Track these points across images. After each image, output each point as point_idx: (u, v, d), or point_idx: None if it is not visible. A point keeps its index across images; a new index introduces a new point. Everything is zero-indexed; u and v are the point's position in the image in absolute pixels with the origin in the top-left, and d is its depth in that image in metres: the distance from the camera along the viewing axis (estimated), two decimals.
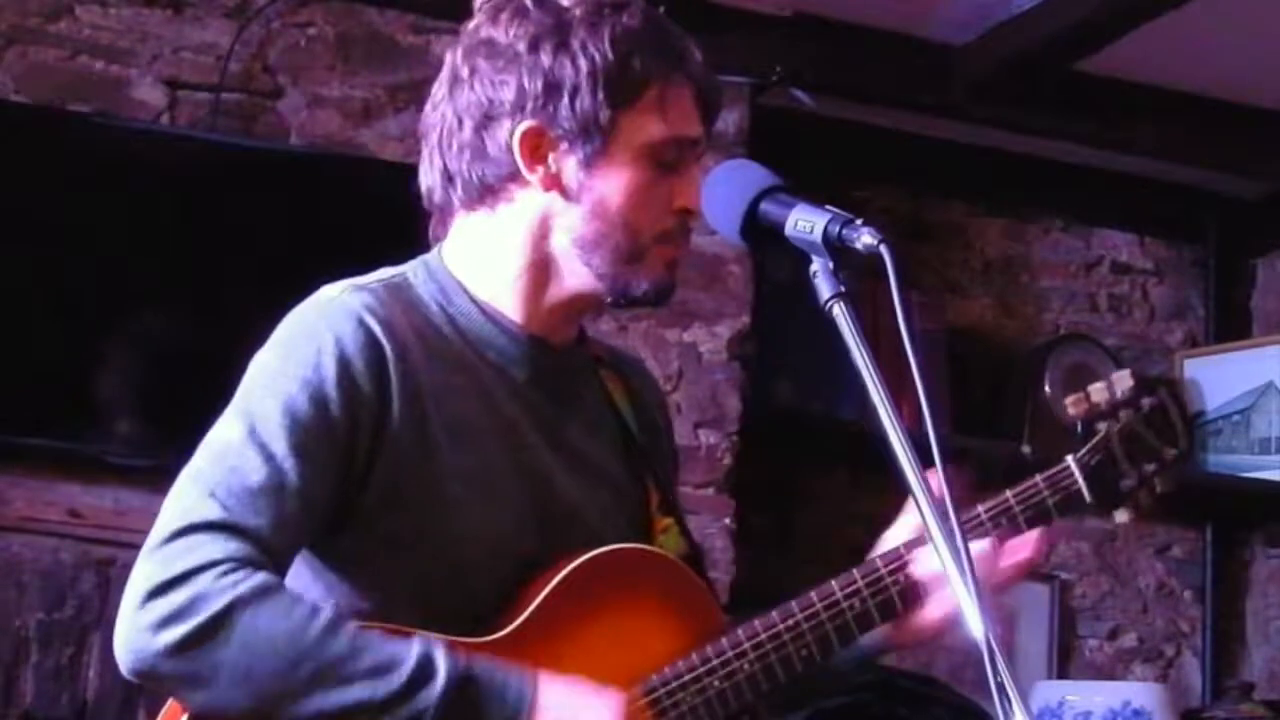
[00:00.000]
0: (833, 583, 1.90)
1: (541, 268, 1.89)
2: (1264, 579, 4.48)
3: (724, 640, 1.86)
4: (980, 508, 1.95)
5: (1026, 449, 4.01)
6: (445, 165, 1.89)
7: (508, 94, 1.83)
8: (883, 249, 1.62)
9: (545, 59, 1.82)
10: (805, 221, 1.70)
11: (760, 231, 1.76)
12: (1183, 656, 4.41)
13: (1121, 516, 2.03)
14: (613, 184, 1.85)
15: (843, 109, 4.06)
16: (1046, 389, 4.18)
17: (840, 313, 1.64)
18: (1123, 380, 2.02)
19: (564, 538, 1.86)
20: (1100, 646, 4.35)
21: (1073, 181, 4.44)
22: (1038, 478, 1.99)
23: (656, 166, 1.86)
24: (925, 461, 1.56)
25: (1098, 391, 2.01)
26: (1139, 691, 4.00)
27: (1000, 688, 1.49)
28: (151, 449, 3.31)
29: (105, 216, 3.41)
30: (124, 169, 3.44)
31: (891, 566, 1.91)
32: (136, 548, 1.74)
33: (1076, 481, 1.98)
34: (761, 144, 3.77)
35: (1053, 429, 4.11)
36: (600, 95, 1.82)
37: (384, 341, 1.79)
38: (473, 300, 1.90)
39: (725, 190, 1.80)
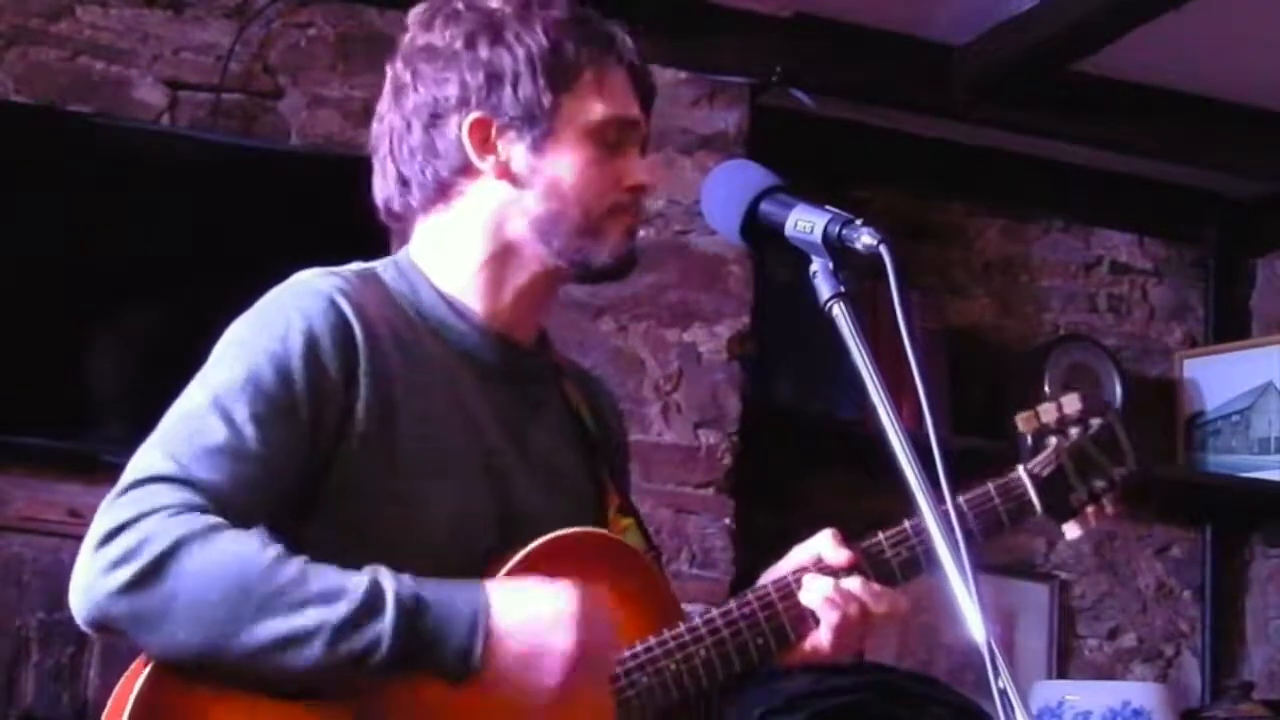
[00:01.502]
0: (789, 575, 1.94)
1: (502, 256, 1.92)
2: (1264, 579, 4.48)
3: (682, 625, 1.89)
4: None
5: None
6: (399, 171, 1.94)
7: (452, 90, 1.90)
8: (883, 249, 1.63)
9: (483, 53, 1.89)
10: (805, 222, 1.71)
11: (760, 231, 1.77)
12: (1182, 656, 4.41)
13: (1071, 531, 2.07)
14: (562, 164, 1.89)
15: (843, 109, 4.07)
16: (1046, 389, 4.18)
17: (840, 313, 1.65)
18: (1071, 402, 2.08)
19: (523, 536, 1.86)
20: (1100, 646, 4.35)
21: (1073, 181, 4.44)
22: (989, 485, 2.02)
23: (601, 146, 1.90)
24: (925, 461, 1.57)
25: (1046, 411, 2.07)
26: (1139, 691, 4.00)
27: (1000, 689, 1.49)
28: None
29: (105, 216, 3.41)
30: (124, 169, 3.44)
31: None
32: None
33: (1027, 491, 2.02)
34: (761, 144, 3.77)
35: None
36: (540, 80, 1.88)
37: (355, 324, 1.82)
38: (440, 295, 1.93)
39: (725, 190, 1.81)
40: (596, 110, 1.90)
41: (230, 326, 1.85)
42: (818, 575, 1.93)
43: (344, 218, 3.43)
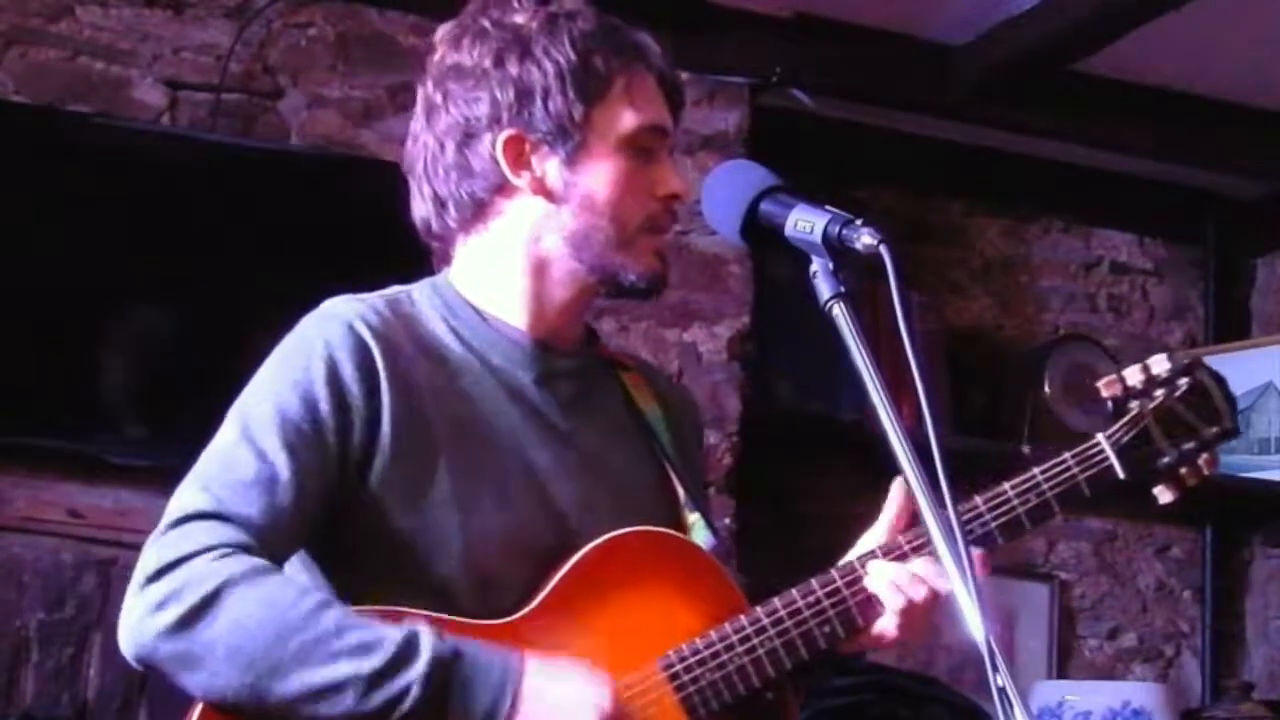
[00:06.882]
0: (853, 560, 1.93)
1: (538, 272, 1.93)
2: (1264, 579, 4.48)
3: (743, 618, 1.88)
4: (1006, 485, 1.96)
5: (1026, 449, 4.01)
6: (435, 191, 1.95)
7: (483, 109, 1.90)
8: (882, 249, 1.63)
9: (512, 70, 1.90)
10: (805, 222, 1.71)
11: (760, 231, 1.77)
12: (1182, 656, 4.41)
13: (1165, 496, 1.99)
14: (597, 177, 1.90)
15: (843, 109, 4.07)
16: (1046, 389, 4.18)
17: (840, 313, 1.65)
18: (1158, 363, 2.00)
19: (577, 536, 1.87)
20: (1100, 646, 4.35)
21: (1073, 181, 4.44)
22: (1067, 455, 1.97)
23: (635, 155, 1.91)
24: (925, 461, 1.57)
25: (1132, 374, 1.99)
26: (1139, 691, 4.00)
27: (1000, 688, 1.49)
28: (152, 449, 3.31)
29: (105, 216, 3.41)
30: (124, 169, 3.44)
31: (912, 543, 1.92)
32: (137, 548, 1.77)
33: (1108, 458, 1.96)
34: (761, 144, 3.78)
35: (1053, 429, 4.12)
36: (570, 94, 1.89)
37: (372, 345, 1.84)
38: (477, 312, 1.94)
39: (725, 190, 1.81)
40: (629, 119, 1.91)
41: (261, 367, 1.88)
42: (883, 560, 1.91)
43: (344, 218, 3.47)
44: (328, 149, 3.61)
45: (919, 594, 1.89)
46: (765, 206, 1.76)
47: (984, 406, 4.20)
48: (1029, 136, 4.18)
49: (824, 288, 1.67)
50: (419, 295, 1.96)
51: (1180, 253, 4.58)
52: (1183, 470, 1.99)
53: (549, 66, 1.88)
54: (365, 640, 1.70)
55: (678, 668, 1.85)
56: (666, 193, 1.93)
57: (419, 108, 1.97)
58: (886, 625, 1.91)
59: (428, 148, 1.94)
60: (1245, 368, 4.34)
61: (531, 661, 1.74)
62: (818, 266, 1.68)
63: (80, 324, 3.37)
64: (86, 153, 3.43)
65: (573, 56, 1.89)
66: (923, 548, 1.91)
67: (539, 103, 1.88)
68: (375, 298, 1.92)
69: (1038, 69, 3.88)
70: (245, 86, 3.60)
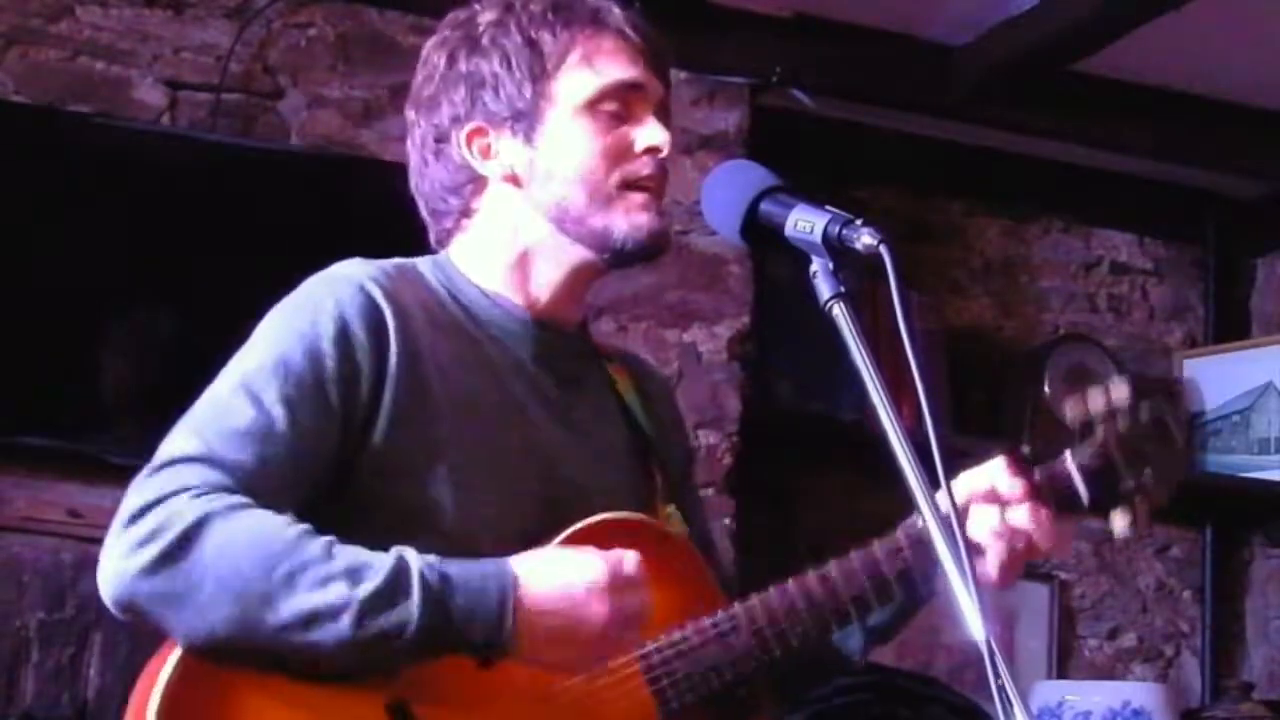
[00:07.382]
0: (831, 564, 1.93)
1: (531, 256, 1.95)
2: (1264, 579, 4.48)
3: (720, 613, 1.88)
4: None
5: (1026, 449, 4.00)
6: (428, 205, 1.99)
7: (445, 112, 1.94)
8: (882, 249, 1.63)
9: (463, 66, 1.94)
10: (805, 222, 1.71)
11: (760, 232, 1.77)
12: (1182, 656, 4.41)
13: (1119, 522, 1.99)
14: (559, 149, 1.91)
15: (843, 109, 4.07)
16: (1046, 389, 4.18)
17: (840, 313, 1.65)
18: (1119, 388, 2.01)
19: (570, 515, 1.87)
20: (1100, 646, 4.35)
21: (1072, 181, 4.44)
22: (1036, 471, 1.98)
23: (600, 119, 1.92)
24: (925, 461, 1.57)
25: (1095, 398, 2.00)
26: (1139, 691, 4.00)
27: (1000, 688, 1.49)
28: (152, 449, 3.28)
29: (105, 216, 3.41)
30: (124, 169, 3.44)
31: (889, 551, 1.92)
32: None
33: (1074, 484, 1.98)
34: (761, 144, 3.78)
35: (1053, 429, 4.12)
36: (518, 74, 1.91)
37: (384, 306, 1.84)
38: (477, 287, 1.95)
39: (725, 191, 1.81)
40: (588, 83, 1.91)
41: (265, 318, 1.86)
42: (986, 506, 1.93)
43: (344, 218, 3.47)
44: (328, 149, 3.61)
45: (1018, 543, 1.90)
46: (765, 206, 1.76)
47: (984, 406, 4.20)
48: (1029, 136, 4.18)
49: (824, 288, 1.67)
50: (422, 266, 1.97)
51: (1180, 253, 4.58)
52: (1138, 499, 1.99)
53: (495, 55, 1.91)
54: (355, 564, 1.68)
55: (654, 659, 1.84)
56: (642, 147, 1.93)
57: (407, 131, 2.00)
58: (986, 572, 1.90)
59: (414, 165, 1.98)
60: (1245, 368, 4.34)
61: (524, 570, 1.73)
62: (818, 266, 1.68)
63: (80, 324, 3.37)
64: (86, 153, 3.43)
65: (518, 39, 1.91)
66: (1027, 498, 1.93)
67: (490, 91, 1.91)
68: (384, 262, 1.92)
69: (1038, 69, 3.88)
70: (245, 86, 3.60)
